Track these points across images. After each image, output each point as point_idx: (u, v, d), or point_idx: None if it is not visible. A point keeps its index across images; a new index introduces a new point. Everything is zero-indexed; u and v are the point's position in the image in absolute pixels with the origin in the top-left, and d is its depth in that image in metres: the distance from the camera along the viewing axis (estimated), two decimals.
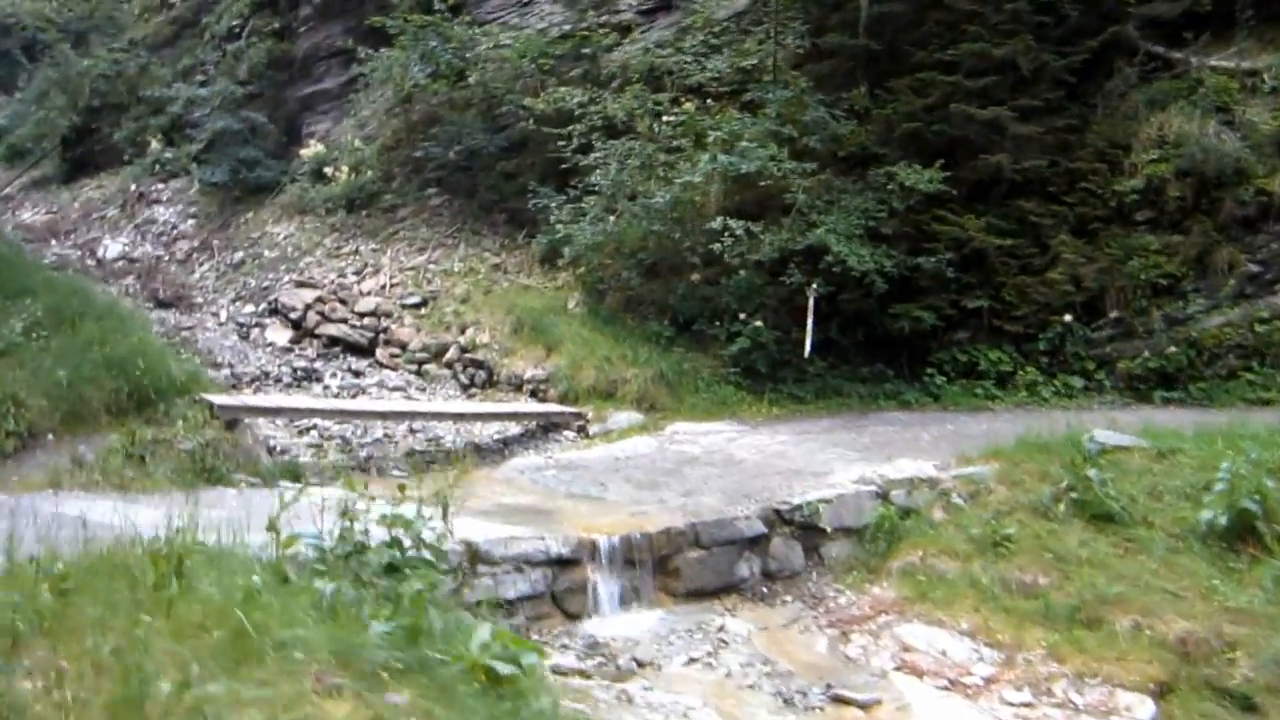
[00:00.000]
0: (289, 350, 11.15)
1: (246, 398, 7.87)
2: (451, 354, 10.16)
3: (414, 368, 10.29)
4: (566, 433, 8.54)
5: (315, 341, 11.31)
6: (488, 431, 8.63)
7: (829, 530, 6.26)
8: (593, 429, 8.51)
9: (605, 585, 5.72)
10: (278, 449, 7.61)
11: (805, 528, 6.28)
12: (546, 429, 8.60)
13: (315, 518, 3.36)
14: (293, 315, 11.70)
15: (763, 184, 8.65)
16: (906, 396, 8.79)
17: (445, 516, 3.59)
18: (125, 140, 17.61)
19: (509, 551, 5.31)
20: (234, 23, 17.64)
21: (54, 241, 15.01)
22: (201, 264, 13.96)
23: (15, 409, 5.79)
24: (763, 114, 9.32)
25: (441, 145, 12.27)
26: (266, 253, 13.50)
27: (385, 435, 8.40)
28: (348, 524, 3.26)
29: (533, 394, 9.22)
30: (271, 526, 3.19)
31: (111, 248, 14.61)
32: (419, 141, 12.68)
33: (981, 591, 5.57)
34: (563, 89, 10.94)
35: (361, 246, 12.70)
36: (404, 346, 10.57)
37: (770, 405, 8.83)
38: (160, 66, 18.30)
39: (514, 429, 8.65)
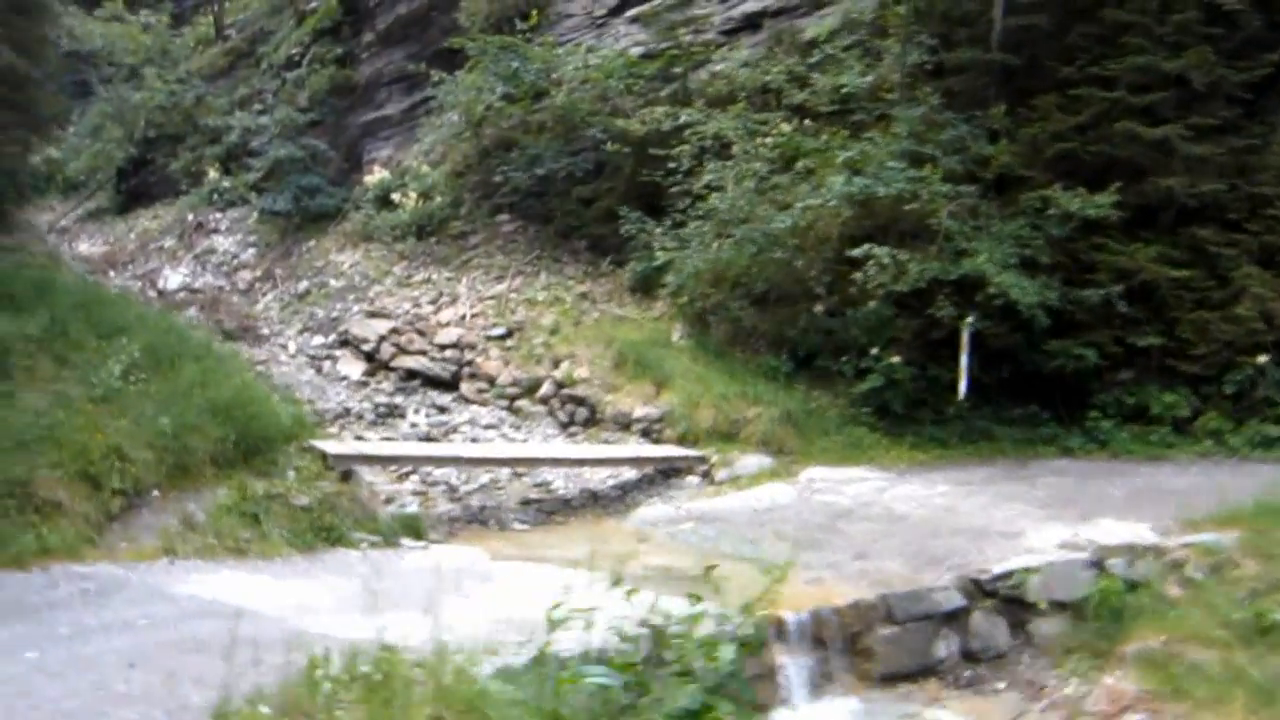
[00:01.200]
0: (364, 384, 10.45)
1: (361, 445, 7.11)
2: (546, 389, 9.37)
3: (505, 404, 9.50)
4: (690, 478, 7.71)
5: (391, 375, 10.60)
6: (600, 476, 7.83)
7: (1041, 605, 5.38)
8: (718, 474, 7.68)
9: (796, 670, 4.90)
10: (382, 497, 6.85)
11: (1009, 601, 5.44)
12: (666, 474, 7.78)
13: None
14: (365, 347, 11.02)
15: (907, 208, 7.87)
16: (1068, 442, 7.87)
17: (764, 648, 2.77)
18: (181, 171, 17.30)
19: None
20: (293, 51, 17.43)
21: (112, 273, 14.52)
22: (265, 294, 13.38)
23: (120, 463, 5.02)
24: (892, 134, 8.59)
25: (519, 169, 11.67)
26: (332, 282, 12.89)
27: (491, 480, 7.62)
28: (632, 647, 2.45)
29: (644, 434, 8.38)
30: (541, 661, 2.40)
31: (172, 279, 14.09)
32: (495, 166, 12.10)
33: (1256, 691, 4.62)
34: (660, 109, 10.32)
35: (434, 275, 12.05)
36: (492, 381, 9.81)
37: (911, 449, 7.97)
38: (216, 97, 18.08)
39: (629, 474, 7.83)
